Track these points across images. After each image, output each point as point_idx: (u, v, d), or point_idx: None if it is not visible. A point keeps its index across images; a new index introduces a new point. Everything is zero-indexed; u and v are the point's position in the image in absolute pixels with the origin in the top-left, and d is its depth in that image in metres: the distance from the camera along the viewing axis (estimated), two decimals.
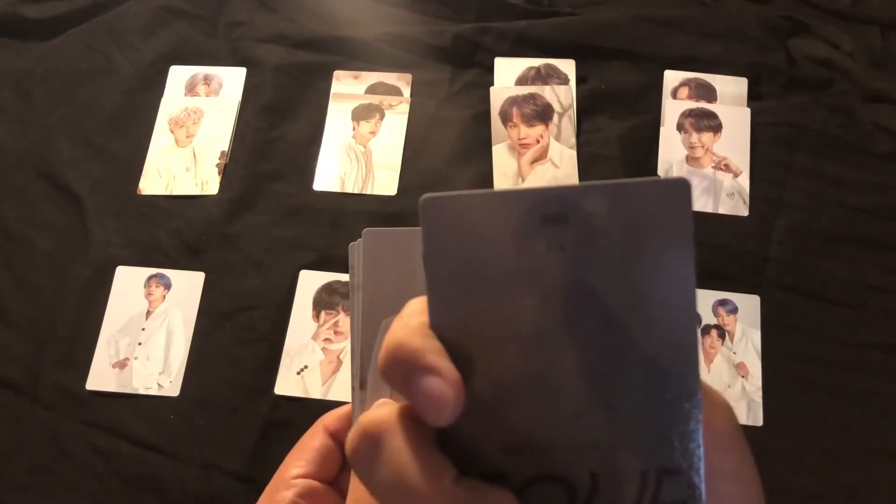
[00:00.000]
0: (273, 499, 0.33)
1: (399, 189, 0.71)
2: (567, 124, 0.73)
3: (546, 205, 0.21)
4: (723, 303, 0.65)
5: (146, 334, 0.65)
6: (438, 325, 0.22)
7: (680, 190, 0.22)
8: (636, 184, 0.21)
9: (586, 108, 0.74)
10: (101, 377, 0.64)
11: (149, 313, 0.66)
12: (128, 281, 0.67)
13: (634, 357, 0.22)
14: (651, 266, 0.21)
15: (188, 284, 0.67)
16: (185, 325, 0.66)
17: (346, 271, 0.66)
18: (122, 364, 0.64)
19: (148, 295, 0.67)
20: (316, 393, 0.63)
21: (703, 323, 0.64)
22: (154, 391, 0.63)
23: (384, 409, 0.21)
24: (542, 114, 0.73)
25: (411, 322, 0.21)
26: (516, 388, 0.22)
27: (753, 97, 0.74)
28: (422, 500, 0.19)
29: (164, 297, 0.67)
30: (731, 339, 0.64)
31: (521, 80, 0.75)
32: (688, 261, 0.21)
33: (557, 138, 0.72)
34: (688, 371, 0.22)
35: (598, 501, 0.22)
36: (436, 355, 0.20)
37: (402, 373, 0.20)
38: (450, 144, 0.73)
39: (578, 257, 0.21)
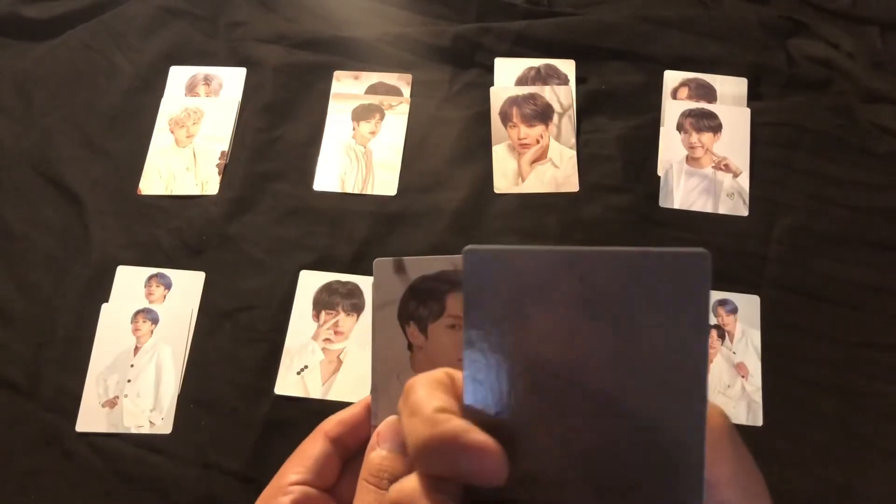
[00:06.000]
0: None
1: (399, 189, 0.71)
2: (567, 124, 0.73)
3: (574, 266, 0.22)
4: (723, 303, 0.65)
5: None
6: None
7: (696, 262, 0.21)
8: (654, 254, 0.21)
9: (586, 109, 0.74)
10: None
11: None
12: (128, 280, 0.67)
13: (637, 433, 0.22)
14: (659, 336, 0.21)
15: (188, 284, 0.67)
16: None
17: (345, 271, 0.67)
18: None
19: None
20: (316, 393, 0.63)
21: None
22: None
23: (412, 481, 0.22)
24: (542, 114, 0.73)
25: (425, 410, 0.23)
26: (542, 441, 0.22)
27: (753, 97, 0.74)
28: None
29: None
30: (731, 339, 0.64)
31: (521, 81, 0.75)
32: (699, 335, 0.21)
33: (557, 138, 0.72)
34: (693, 462, 0.21)
35: None
36: (475, 433, 0.22)
37: (445, 459, 0.22)
38: (450, 144, 0.73)
39: (595, 318, 0.22)
